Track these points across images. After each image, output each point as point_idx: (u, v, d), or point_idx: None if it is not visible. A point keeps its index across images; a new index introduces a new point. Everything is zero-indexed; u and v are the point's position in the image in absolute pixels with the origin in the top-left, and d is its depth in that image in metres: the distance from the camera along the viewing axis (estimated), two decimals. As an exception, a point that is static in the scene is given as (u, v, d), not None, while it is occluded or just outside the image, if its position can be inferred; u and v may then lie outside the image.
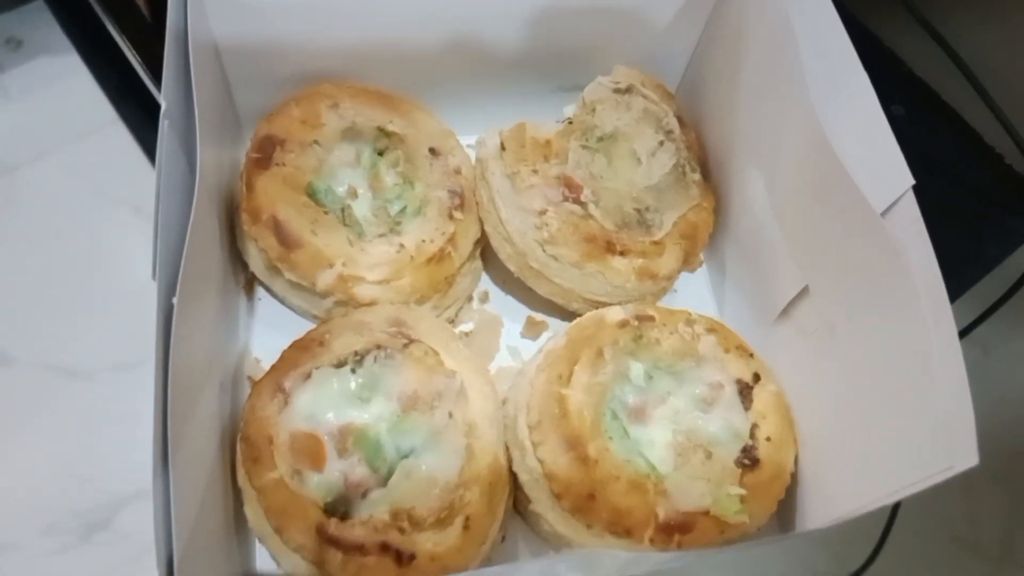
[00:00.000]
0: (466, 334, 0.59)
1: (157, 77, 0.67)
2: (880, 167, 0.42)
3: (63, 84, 0.93)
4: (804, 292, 0.50)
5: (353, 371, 0.48)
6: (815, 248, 0.48)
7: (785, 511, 0.51)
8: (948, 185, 0.71)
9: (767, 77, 0.51)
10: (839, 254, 0.46)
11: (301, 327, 0.53)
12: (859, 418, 0.46)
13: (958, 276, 0.67)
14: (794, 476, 0.51)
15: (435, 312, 0.56)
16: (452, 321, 0.59)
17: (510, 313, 0.60)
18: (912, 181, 0.41)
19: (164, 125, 0.39)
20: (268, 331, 0.57)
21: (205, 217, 0.46)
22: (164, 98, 0.40)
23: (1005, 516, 0.97)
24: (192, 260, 0.39)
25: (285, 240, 0.50)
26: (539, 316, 0.60)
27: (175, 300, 0.35)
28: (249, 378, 0.54)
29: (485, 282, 0.61)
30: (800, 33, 0.45)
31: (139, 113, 1.10)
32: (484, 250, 0.59)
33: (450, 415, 0.47)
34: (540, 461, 0.47)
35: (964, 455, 0.35)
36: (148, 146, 1.01)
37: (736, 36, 0.54)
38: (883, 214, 0.42)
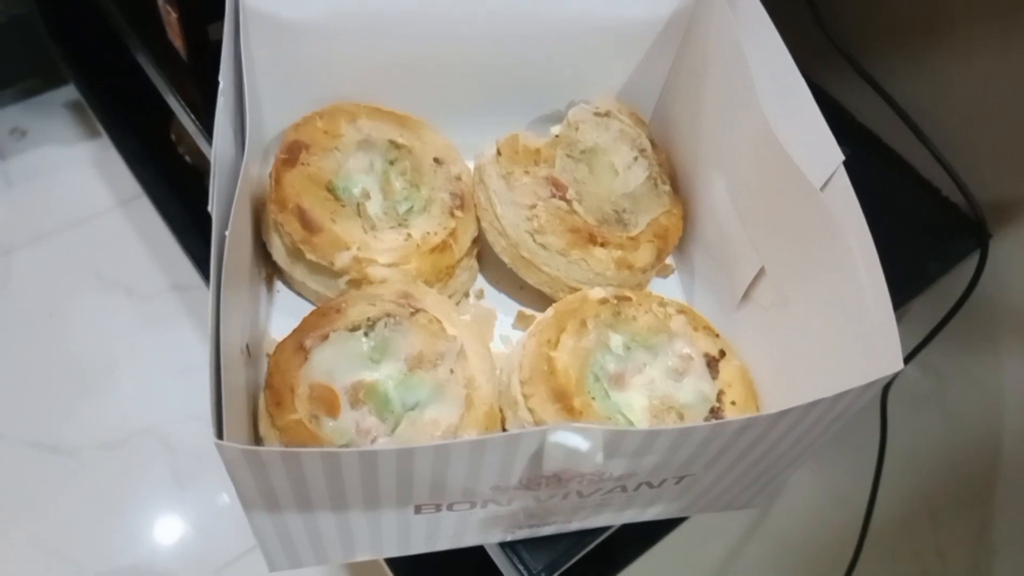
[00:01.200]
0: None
1: (196, 115, 0.76)
2: (815, 149, 0.50)
3: (64, 172, 1.00)
4: (761, 273, 0.58)
5: (366, 335, 0.54)
6: (768, 231, 0.56)
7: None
8: (891, 215, 0.79)
9: (725, 98, 0.60)
10: (788, 231, 0.54)
11: None
12: (809, 372, 0.53)
13: (904, 290, 0.75)
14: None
15: (436, 301, 0.62)
16: (451, 314, 0.65)
17: (503, 307, 0.67)
18: (842, 157, 0.49)
19: (220, 101, 0.47)
20: (285, 319, 0.63)
21: (248, 186, 0.53)
22: (222, 79, 0.48)
23: (973, 544, 1.01)
24: (239, 206, 0.46)
25: (308, 225, 0.58)
26: (528, 311, 0.67)
27: (227, 232, 0.42)
28: (268, 355, 0.60)
29: (481, 281, 0.68)
30: (752, 61, 0.55)
31: (163, 184, 1.19)
32: (480, 253, 0.67)
33: (451, 371, 0.53)
34: (531, 411, 0.53)
35: (890, 362, 0.42)
36: (170, 218, 1.08)
37: (699, 70, 0.64)
38: (821, 189, 0.50)
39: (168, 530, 0.74)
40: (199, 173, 1.25)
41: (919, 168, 0.83)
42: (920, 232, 0.80)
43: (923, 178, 0.82)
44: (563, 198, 0.61)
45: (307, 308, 0.63)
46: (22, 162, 1.01)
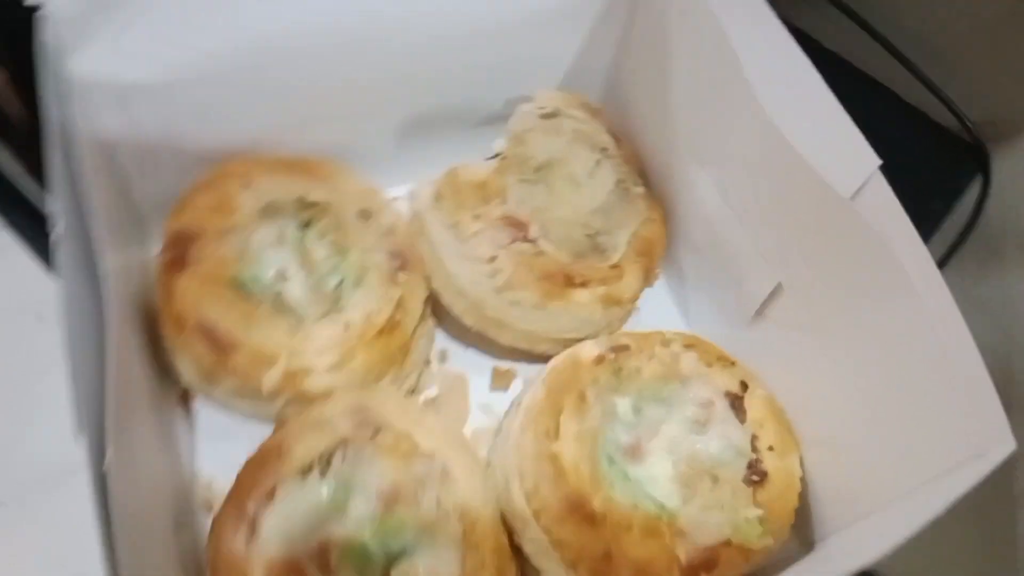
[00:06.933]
0: (432, 400, 0.55)
1: (40, 180, 0.61)
2: (841, 153, 0.40)
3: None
4: (779, 290, 0.48)
5: (322, 476, 0.43)
6: (784, 244, 0.46)
7: (800, 519, 0.48)
8: (880, 150, 0.70)
9: (701, 80, 0.49)
10: (812, 246, 0.44)
11: (251, 433, 0.48)
12: (866, 410, 0.44)
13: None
14: (802, 480, 0.48)
15: (395, 385, 0.51)
16: (414, 389, 0.54)
17: (474, 367, 0.56)
18: (878, 162, 0.39)
19: (57, 235, 0.34)
20: (215, 445, 0.51)
21: (124, 337, 0.40)
22: (51, 205, 0.34)
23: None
24: (119, 395, 0.34)
25: (218, 345, 0.45)
26: (505, 365, 0.56)
27: (109, 456, 0.30)
28: (206, 500, 0.49)
29: (441, 339, 0.57)
30: (733, 32, 0.43)
31: (31, 222, 1.02)
32: (435, 307, 0.55)
33: (438, 503, 0.43)
34: (545, 530, 0.43)
35: (998, 438, 0.33)
36: (44, 254, 0.93)
37: (659, 43, 0.52)
38: (852, 198, 0.40)
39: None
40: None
41: (901, 93, 0.73)
42: (912, 162, 0.71)
43: (906, 102, 0.73)
44: (526, 239, 0.49)
45: (238, 425, 0.52)
46: None
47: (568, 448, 0.45)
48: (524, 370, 0.56)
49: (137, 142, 0.48)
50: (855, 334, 0.43)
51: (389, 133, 0.57)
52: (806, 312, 0.46)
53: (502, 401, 0.55)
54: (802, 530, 0.49)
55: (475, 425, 0.54)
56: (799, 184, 0.42)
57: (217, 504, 0.46)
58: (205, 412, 0.52)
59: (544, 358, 0.53)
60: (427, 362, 0.55)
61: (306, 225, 0.52)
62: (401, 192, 0.60)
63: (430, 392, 0.55)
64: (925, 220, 0.67)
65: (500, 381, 0.56)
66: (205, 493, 0.48)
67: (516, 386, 0.56)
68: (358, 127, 0.55)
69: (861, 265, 0.41)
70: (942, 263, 0.71)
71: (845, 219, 0.40)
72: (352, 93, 0.53)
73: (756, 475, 0.47)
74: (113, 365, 0.35)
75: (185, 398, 0.52)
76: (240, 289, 0.48)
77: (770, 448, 0.48)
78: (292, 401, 0.47)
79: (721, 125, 0.47)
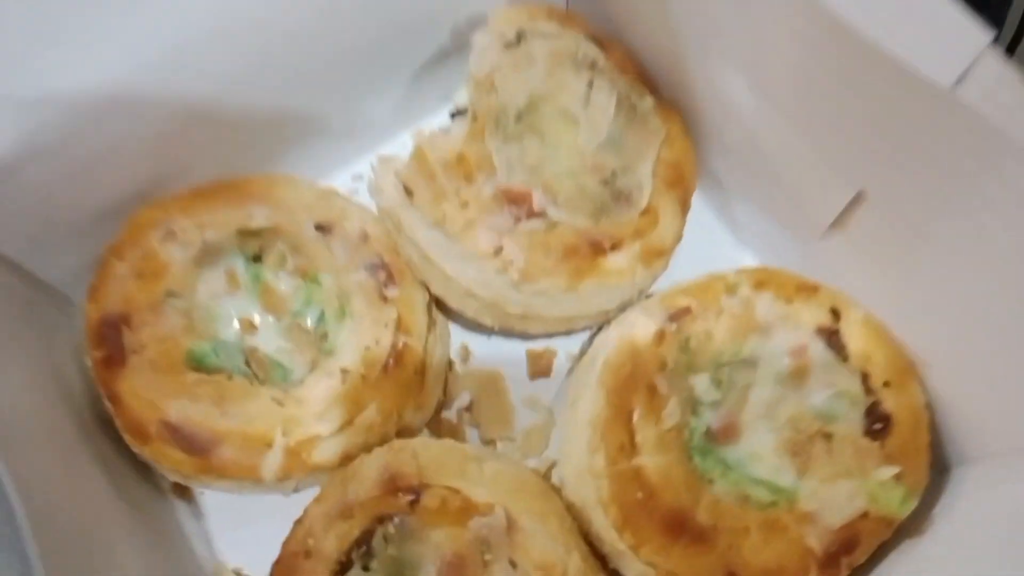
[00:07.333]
0: (467, 410, 0.46)
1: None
2: (936, 33, 0.29)
3: None
4: (859, 198, 0.38)
5: (365, 568, 0.35)
6: (861, 146, 0.36)
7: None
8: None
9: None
10: (902, 145, 0.33)
11: (269, 506, 0.40)
12: (990, 319, 0.35)
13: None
14: (928, 406, 0.40)
15: (419, 413, 0.43)
16: (443, 404, 0.46)
17: (505, 358, 0.47)
18: (988, 38, 0.28)
19: None
20: (232, 529, 0.44)
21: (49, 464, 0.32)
22: None
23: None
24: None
25: (194, 446, 0.36)
26: (538, 347, 0.47)
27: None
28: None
29: (457, 333, 0.48)
30: None
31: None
32: (438, 301, 0.45)
33: (512, 565, 0.35)
34: (650, 564, 0.35)
35: None
36: None
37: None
38: (956, 86, 0.29)
39: None
40: None
41: None
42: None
43: None
44: (532, 213, 0.39)
45: (252, 501, 0.43)
46: None
47: (651, 459, 0.36)
48: (564, 344, 0.47)
49: (17, 223, 0.37)
50: (970, 240, 0.34)
51: (322, 118, 0.45)
52: (900, 220, 0.36)
53: (547, 388, 0.46)
54: (938, 455, 0.41)
55: (524, 425, 0.46)
56: (872, 74, 0.31)
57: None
58: (209, 497, 0.44)
59: (585, 330, 0.44)
60: (450, 366, 0.46)
61: (256, 259, 0.42)
62: (361, 168, 0.50)
63: (462, 400, 0.46)
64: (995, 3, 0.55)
65: (539, 367, 0.47)
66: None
67: (559, 364, 0.47)
68: (290, 117, 0.44)
69: (965, 165, 0.31)
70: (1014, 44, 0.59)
71: (942, 109, 0.30)
72: (269, 76, 0.42)
73: (878, 422, 0.38)
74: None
75: (181, 491, 0.44)
76: (200, 365, 0.38)
77: (886, 384, 0.39)
78: (304, 478, 0.38)
79: (747, 16, 0.35)
